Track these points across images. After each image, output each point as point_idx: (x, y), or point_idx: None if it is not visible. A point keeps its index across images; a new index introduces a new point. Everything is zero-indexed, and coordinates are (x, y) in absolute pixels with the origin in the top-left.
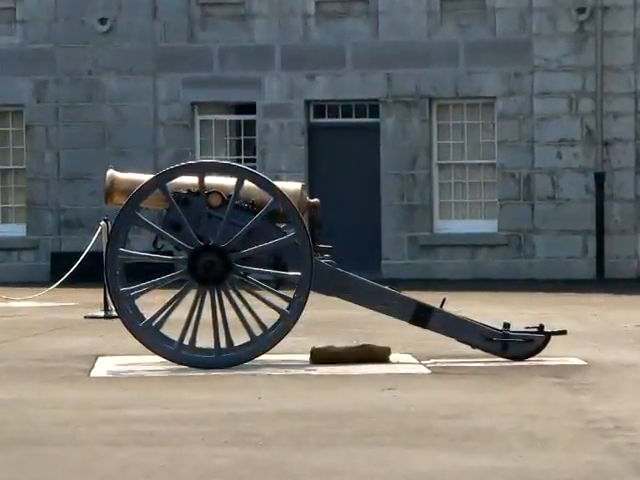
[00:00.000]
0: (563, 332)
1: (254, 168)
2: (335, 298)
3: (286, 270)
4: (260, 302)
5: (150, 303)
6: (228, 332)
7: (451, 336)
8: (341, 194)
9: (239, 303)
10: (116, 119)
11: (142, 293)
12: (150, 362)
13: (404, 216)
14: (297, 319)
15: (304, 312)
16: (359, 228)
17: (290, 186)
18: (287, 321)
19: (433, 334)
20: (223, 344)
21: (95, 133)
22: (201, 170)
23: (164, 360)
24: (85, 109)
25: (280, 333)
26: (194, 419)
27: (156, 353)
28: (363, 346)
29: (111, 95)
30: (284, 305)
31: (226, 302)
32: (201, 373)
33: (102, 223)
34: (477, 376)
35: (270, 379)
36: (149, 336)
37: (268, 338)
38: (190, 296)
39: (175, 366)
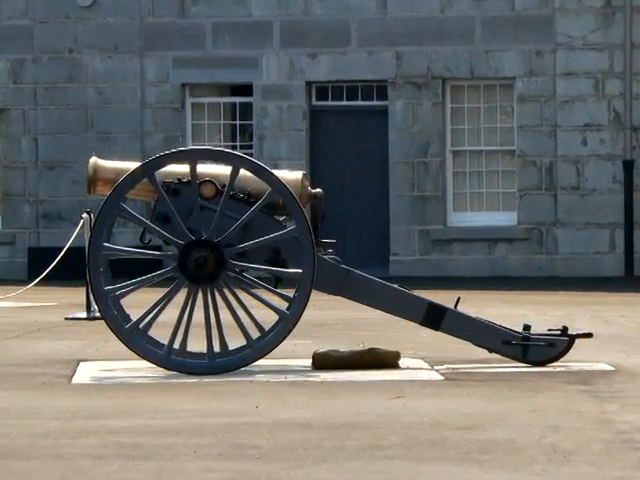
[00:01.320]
0: (589, 335)
1: (251, 155)
2: (339, 298)
3: (286, 267)
4: (257, 302)
5: (137, 303)
6: (222, 335)
7: (466, 339)
8: (346, 184)
9: (234, 303)
10: (100, 102)
11: (128, 292)
12: (137, 368)
13: (415, 208)
14: (297, 320)
15: (305, 313)
16: (366, 221)
17: (290, 175)
18: (287, 323)
19: (447, 337)
20: (216, 348)
21: (77, 117)
22: (192, 157)
23: (152, 366)
24: (66, 91)
25: (279, 336)
26: (185, 430)
27: (143, 358)
28: (370, 350)
29: (94, 75)
30: (283, 305)
31: (220, 302)
32: (193, 380)
33: (84, 215)
34: (495, 383)
35: (268, 386)
36: (136, 339)
37: (266, 341)
38: (181, 295)
39: (164, 372)
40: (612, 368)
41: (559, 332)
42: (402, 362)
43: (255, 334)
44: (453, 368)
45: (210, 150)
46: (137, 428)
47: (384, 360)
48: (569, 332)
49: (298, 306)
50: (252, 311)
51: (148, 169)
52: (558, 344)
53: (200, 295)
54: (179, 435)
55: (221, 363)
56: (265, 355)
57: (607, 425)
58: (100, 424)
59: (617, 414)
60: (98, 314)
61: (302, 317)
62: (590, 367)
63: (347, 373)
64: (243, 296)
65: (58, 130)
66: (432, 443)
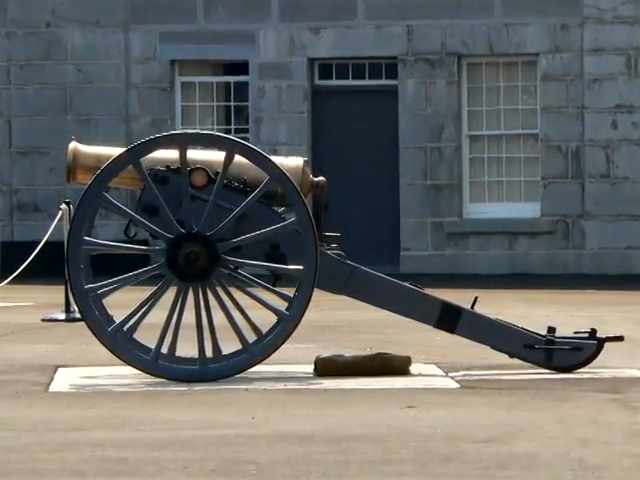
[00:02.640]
0: (619, 338)
1: (247, 140)
2: (344, 297)
3: (285, 263)
4: (254, 302)
5: (121, 303)
6: (215, 338)
7: (484, 343)
8: (351, 172)
9: (228, 303)
10: (80, 81)
11: (111, 291)
12: (121, 374)
13: (427, 198)
14: (298, 322)
15: (307, 314)
16: (373, 213)
17: (290, 162)
18: (286, 325)
19: (463, 340)
20: (209, 353)
21: (55, 98)
22: (182, 142)
23: (138, 372)
24: (42, 69)
25: (278, 339)
26: (174, 443)
27: (128, 363)
28: (378, 355)
29: (74, 52)
30: (282, 305)
31: (213, 302)
32: (183, 388)
33: (63, 206)
34: (516, 391)
35: (266, 395)
36: (120, 343)
37: (263, 345)
38: (169, 295)
39: (151, 379)
40: None
41: (587, 335)
42: (413, 368)
43: (252, 337)
44: (470, 375)
45: (201, 134)
46: (121, 441)
47: (393, 366)
48: (598, 335)
49: (299, 306)
50: (248, 312)
51: (133, 155)
52: (585, 348)
53: (191, 294)
54: (167, 449)
55: (214, 369)
56: (263, 360)
57: (638, 437)
58: (80, 436)
59: None
60: (78, 315)
61: (303, 318)
62: (621, 373)
63: (353, 380)
64: (238, 295)
65: (34, 112)
66: (447, 458)
